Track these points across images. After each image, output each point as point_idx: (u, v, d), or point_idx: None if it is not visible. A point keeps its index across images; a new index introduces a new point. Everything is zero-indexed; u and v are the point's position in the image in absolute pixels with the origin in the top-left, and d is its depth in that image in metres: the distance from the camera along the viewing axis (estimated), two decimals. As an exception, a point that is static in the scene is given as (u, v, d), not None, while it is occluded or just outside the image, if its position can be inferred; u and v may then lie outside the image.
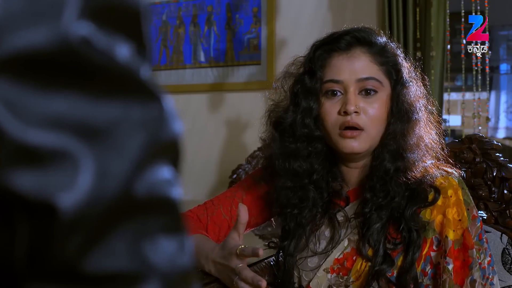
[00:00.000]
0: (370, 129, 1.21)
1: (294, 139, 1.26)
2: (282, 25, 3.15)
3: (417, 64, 1.31)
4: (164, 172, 0.36)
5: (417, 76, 1.29)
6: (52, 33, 0.32)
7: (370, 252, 1.21)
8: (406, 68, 1.27)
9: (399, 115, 1.22)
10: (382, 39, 1.27)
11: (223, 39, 3.32)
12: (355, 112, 1.19)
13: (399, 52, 1.28)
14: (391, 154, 1.21)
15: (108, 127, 0.34)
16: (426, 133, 1.24)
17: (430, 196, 1.20)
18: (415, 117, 1.23)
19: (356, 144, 1.20)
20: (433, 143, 1.24)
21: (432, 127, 1.26)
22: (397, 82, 1.24)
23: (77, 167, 0.33)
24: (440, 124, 1.31)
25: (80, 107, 0.33)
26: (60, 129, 0.33)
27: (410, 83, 1.25)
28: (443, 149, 1.27)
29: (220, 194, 1.37)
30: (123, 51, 0.35)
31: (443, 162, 1.27)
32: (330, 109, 1.22)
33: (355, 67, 1.21)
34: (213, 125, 3.30)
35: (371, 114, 1.20)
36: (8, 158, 0.32)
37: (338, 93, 1.22)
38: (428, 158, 1.23)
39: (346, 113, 1.19)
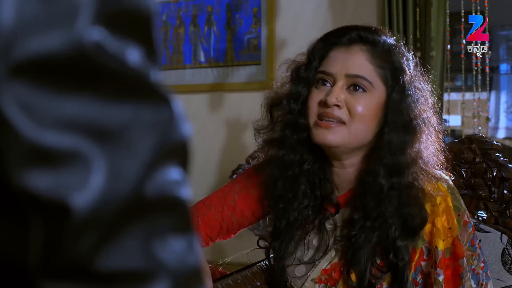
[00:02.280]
0: (352, 124, 1.15)
1: (282, 125, 1.24)
2: (282, 25, 3.15)
3: (425, 70, 1.25)
4: (174, 173, 0.37)
5: (426, 86, 1.22)
6: (67, 38, 0.33)
7: (354, 278, 1.17)
8: (411, 76, 1.19)
9: (395, 125, 1.16)
10: (390, 40, 1.22)
11: (223, 39, 3.32)
12: (336, 105, 1.15)
13: (408, 56, 1.22)
14: (386, 169, 1.15)
15: (120, 129, 0.35)
16: (425, 149, 1.18)
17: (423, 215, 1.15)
18: (417, 131, 1.16)
19: (332, 136, 1.15)
20: (430, 158, 1.18)
21: (433, 140, 1.20)
22: (394, 89, 1.17)
23: (89, 168, 0.34)
24: (442, 136, 1.23)
25: (92, 110, 0.34)
26: (73, 131, 0.34)
27: (413, 92, 1.18)
28: (443, 161, 1.21)
29: (212, 193, 1.35)
30: (134, 55, 0.36)
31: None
32: (316, 96, 1.19)
33: (348, 62, 1.18)
34: (213, 125, 3.30)
35: (354, 109, 1.15)
36: (24, 159, 0.33)
37: (328, 84, 1.19)
38: (426, 174, 1.17)
39: (326, 104, 1.15)
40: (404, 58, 1.21)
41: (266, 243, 1.34)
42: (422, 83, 1.22)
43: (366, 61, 1.18)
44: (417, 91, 1.19)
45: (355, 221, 1.18)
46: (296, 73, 1.24)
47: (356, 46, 1.19)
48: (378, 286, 1.17)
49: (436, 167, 1.20)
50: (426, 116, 1.19)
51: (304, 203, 1.24)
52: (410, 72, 1.20)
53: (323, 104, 1.16)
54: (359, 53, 1.18)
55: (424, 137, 1.18)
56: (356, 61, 1.18)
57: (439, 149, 1.21)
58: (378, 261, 1.17)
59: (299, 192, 1.23)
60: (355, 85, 1.16)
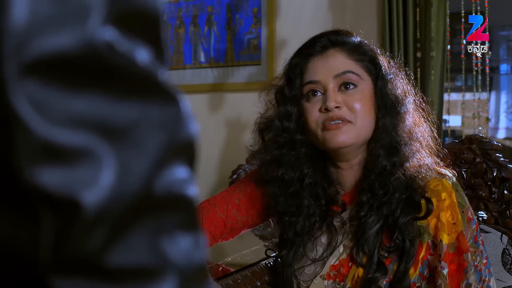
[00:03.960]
0: (356, 120, 1.20)
1: (277, 145, 1.27)
2: (282, 26, 3.15)
3: (396, 61, 1.31)
4: (181, 171, 0.38)
5: (401, 72, 1.29)
6: (78, 37, 0.34)
7: (364, 259, 1.20)
8: (386, 63, 1.27)
9: (386, 108, 1.22)
10: (356, 38, 1.28)
11: (223, 39, 3.32)
12: (337, 107, 1.19)
13: (375, 48, 1.29)
14: (385, 149, 1.20)
15: (129, 127, 0.36)
16: (416, 125, 1.24)
17: (423, 204, 1.18)
18: (403, 110, 1.23)
19: (343, 136, 1.19)
20: (425, 134, 1.25)
21: (423, 119, 1.27)
22: (378, 76, 1.24)
23: (100, 165, 0.35)
24: (430, 115, 1.30)
25: (102, 108, 0.35)
26: (84, 128, 0.34)
27: (392, 77, 1.25)
28: (435, 139, 1.27)
29: (217, 194, 1.38)
30: (143, 55, 0.37)
31: (439, 161, 1.26)
32: (311, 108, 1.22)
33: (330, 65, 1.22)
34: (213, 125, 3.30)
35: (353, 106, 1.20)
36: (35, 156, 0.34)
37: (318, 93, 1.22)
38: (423, 151, 1.23)
39: (327, 109, 1.19)
40: (374, 48, 1.29)
41: (274, 252, 1.36)
42: (393, 67, 1.29)
43: (346, 58, 1.23)
44: (395, 75, 1.27)
45: (363, 203, 1.21)
46: (281, 95, 1.28)
47: (329, 50, 1.24)
48: (386, 279, 1.18)
49: (429, 150, 1.25)
50: (409, 96, 1.26)
51: (310, 213, 1.27)
52: (381, 58, 1.27)
53: (324, 111, 1.20)
54: (335, 55, 1.24)
55: (412, 115, 1.24)
56: (337, 61, 1.23)
57: (431, 126, 1.27)
58: (385, 243, 1.20)
59: (303, 206, 1.26)
60: (345, 83, 1.21)
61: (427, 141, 1.25)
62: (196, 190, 0.39)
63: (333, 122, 1.19)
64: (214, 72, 3.34)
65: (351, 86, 1.21)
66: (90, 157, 0.34)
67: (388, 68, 1.27)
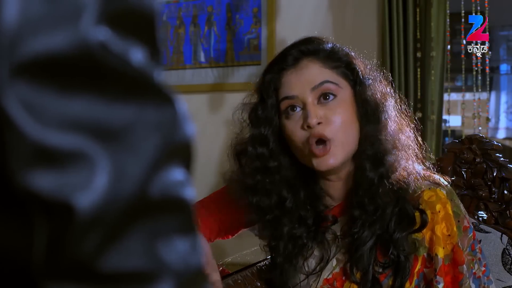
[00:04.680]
0: (339, 136, 1.14)
1: (251, 172, 1.22)
2: (282, 26, 3.15)
3: (372, 62, 1.26)
4: (177, 173, 0.37)
5: (379, 74, 1.24)
6: (71, 38, 0.33)
7: (358, 275, 1.18)
8: (362, 67, 1.21)
9: (367, 116, 1.17)
10: (328, 45, 1.22)
11: (223, 39, 3.32)
12: (319, 123, 1.14)
13: (350, 52, 1.23)
14: (370, 161, 1.16)
15: (124, 129, 0.35)
16: (399, 131, 1.20)
17: (417, 216, 1.15)
18: (385, 117, 1.18)
19: (331, 159, 1.14)
20: (409, 141, 1.20)
21: (406, 124, 1.22)
22: (356, 82, 1.19)
23: (93, 168, 0.34)
24: (413, 121, 1.26)
25: (96, 110, 0.34)
26: (77, 130, 0.34)
27: (370, 81, 1.20)
28: (420, 146, 1.23)
29: (207, 196, 1.34)
30: (137, 55, 0.36)
31: (431, 166, 1.23)
32: (293, 127, 1.17)
33: (305, 77, 1.17)
34: (213, 125, 3.30)
35: (335, 121, 1.14)
36: (28, 159, 0.33)
37: (297, 108, 1.17)
38: (410, 159, 1.19)
39: (308, 127, 1.14)
40: (349, 52, 1.23)
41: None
42: (371, 70, 1.23)
43: (321, 68, 1.18)
44: (370, 78, 1.21)
45: (356, 218, 1.17)
46: (254, 116, 1.22)
47: (302, 61, 1.19)
48: (382, 279, 1.17)
49: (415, 156, 1.21)
50: (389, 99, 1.21)
51: (294, 237, 1.23)
52: (357, 63, 1.21)
53: (306, 128, 1.15)
54: (309, 65, 1.18)
55: (394, 121, 1.20)
56: (312, 72, 1.17)
57: (414, 131, 1.23)
58: (380, 259, 1.17)
59: (283, 233, 1.22)
60: (324, 94, 1.16)
61: (413, 147, 1.21)
62: (193, 192, 0.39)
63: (317, 149, 1.14)
64: (214, 72, 3.34)
65: (331, 97, 1.16)
66: (84, 160, 0.34)
67: (365, 72, 1.21)
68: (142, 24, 0.37)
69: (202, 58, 3.38)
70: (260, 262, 1.43)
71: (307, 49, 1.20)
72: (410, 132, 1.22)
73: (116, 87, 0.35)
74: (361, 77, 1.19)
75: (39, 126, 0.33)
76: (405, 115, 1.24)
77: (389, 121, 1.18)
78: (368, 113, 1.17)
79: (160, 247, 0.36)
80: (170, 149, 0.37)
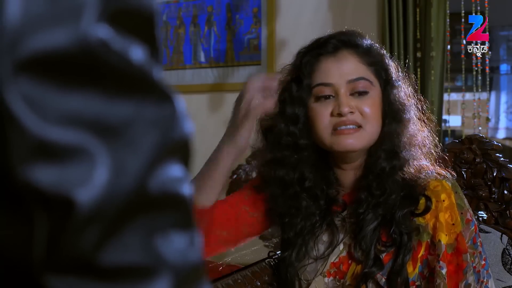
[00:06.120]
0: (368, 126, 1.20)
1: (280, 147, 1.26)
2: (282, 26, 3.15)
3: (402, 64, 1.31)
4: (176, 170, 0.38)
5: (404, 75, 1.29)
6: (72, 35, 0.34)
7: (360, 254, 1.21)
8: (394, 68, 1.27)
9: (393, 115, 1.23)
10: (367, 41, 1.27)
11: (223, 39, 3.32)
12: (350, 112, 1.19)
13: (384, 52, 1.29)
14: (386, 153, 1.21)
15: (123, 125, 0.35)
16: (418, 131, 1.25)
17: (421, 203, 1.19)
18: (407, 117, 1.24)
19: (353, 141, 1.19)
20: (426, 141, 1.25)
21: (424, 125, 1.27)
22: (386, 82, 1.24)
23: (93, 163, 0.34)
24: (432, 121, 1.31)
25: (96, 106, 0.35)
26: (77, 126, 0.34)
27: (399, 83, 1.26)
28: (436, 146, 1.27)
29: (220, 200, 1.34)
30: (137, 53, 0.36)
31: (439, 162, 1.27)
32: (323, 111, 1.21)
33: (344, 69, 1.21)
34: (213, 125, 3.30)
35: (366, 112, 1.20)
36: (28, 154, 0.33)
37: (330, 97, 1.21)
38: (422, 156, 1.24)
39: (340, 114, 1.19)
40: (383, 52, 1.28)
41: (276, 253, 1.36)
42: (399, 71, 1.29)
43: (359, 63, 1.23)
44: (399, 79, 1.27)
45: (362, 200, 1.22)
46: (288, 94, 1.26)
47: (342, 51, 1.23)
48: (384, 276, 1.19)
49: (429, 156, 1.26)
50: (411, 99, 1.27)
51: (309, 213, 1.27)
52: (390, 63, 1.27)
53: (336, 115, 1.19)
54: (348, 58, 1.22)
55: (415, 120, 1.25)
56: (351, 66, 1.22)
57: (432, 131, 1.28)
58: (383, 238, 1.21)
59: (301, 207, 1.27)
60: (358, 91, 1.21)
61: (428, 147, 1.26)
62: (191, 189, 0.39)
63: (345, 127, 1.19)
64: (214, 72, 3.35)
65: (363, 93, 1.21)
66: (84, 155, 0.34)
67: (396, 73, 1.27)
68: (142, 23, 0.38)
69: (202, 58, 3.38)
70: (260, 262, 1.43)
71: (348, 40, 1.24)
72: (429, 132, 1.27)
73: (116, 84, 0.36)
74: (392, 79, 1.25)
75: (40, 121, 0.33)
76: (425, 116, 1.29)
77: (410, 121, 1.24)
78: (393, 113, 1.23)
79: (158, 242, 0.37)
80: (169, 145, 0.37)
